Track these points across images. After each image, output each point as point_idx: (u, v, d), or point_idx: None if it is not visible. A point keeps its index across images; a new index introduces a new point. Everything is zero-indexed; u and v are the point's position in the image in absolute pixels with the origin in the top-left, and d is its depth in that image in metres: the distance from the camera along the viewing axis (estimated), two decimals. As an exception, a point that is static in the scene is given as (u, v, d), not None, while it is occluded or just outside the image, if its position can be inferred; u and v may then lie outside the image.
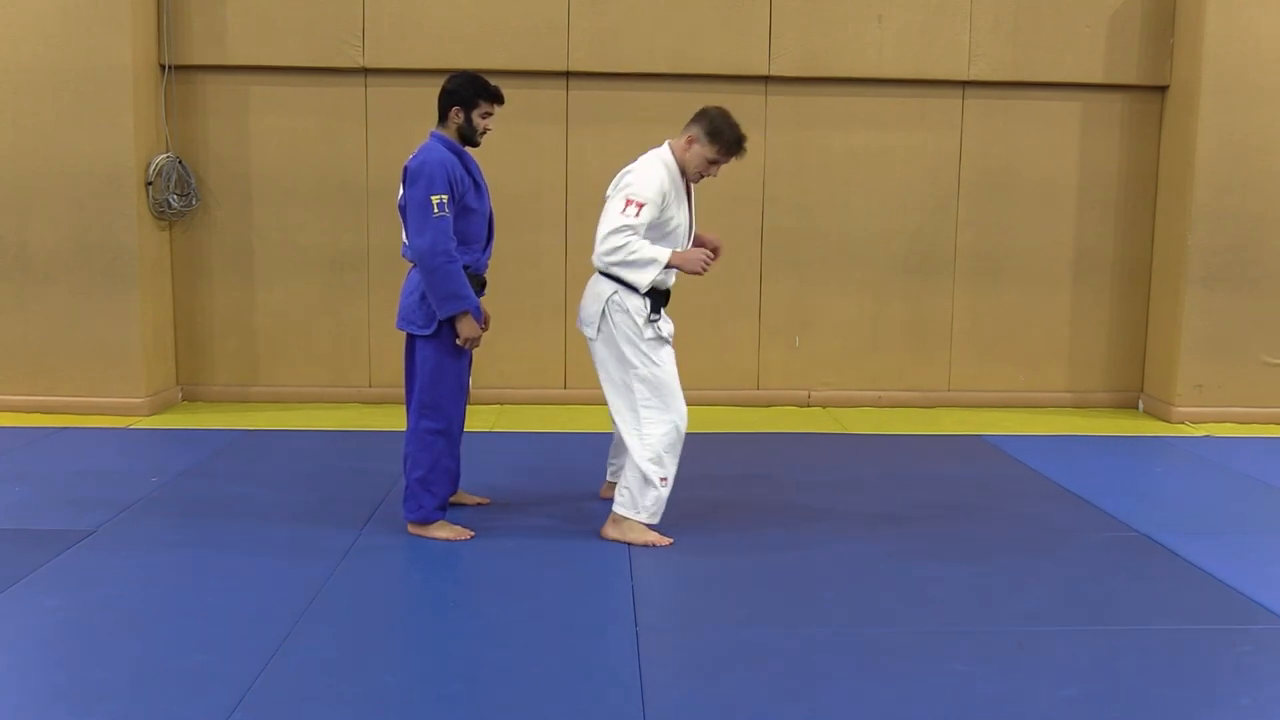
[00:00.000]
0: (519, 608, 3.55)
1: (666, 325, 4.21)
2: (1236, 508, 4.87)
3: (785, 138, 6.89)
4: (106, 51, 6.20)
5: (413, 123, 5.85)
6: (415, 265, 4.11)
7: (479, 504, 4.64)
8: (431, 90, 4.21)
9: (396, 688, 2.98)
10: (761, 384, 7.11)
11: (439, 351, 4.12)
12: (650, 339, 4.12)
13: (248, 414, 6.53)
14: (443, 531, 4.21)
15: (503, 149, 6.24)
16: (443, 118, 4.16)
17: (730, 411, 6.79)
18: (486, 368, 6.86)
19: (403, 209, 4.09)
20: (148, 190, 6.44)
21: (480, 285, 4.24)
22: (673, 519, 4.36)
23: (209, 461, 5.37)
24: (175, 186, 6.58)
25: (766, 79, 6.83)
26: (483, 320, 4.24)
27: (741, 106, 6.85)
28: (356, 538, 4.20)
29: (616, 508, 4.21)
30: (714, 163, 4.10)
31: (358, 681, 3.00)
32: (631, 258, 4.01)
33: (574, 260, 6.78)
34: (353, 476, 5.08)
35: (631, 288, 4.10)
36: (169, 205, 6.54)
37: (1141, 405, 7.15)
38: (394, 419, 5.74)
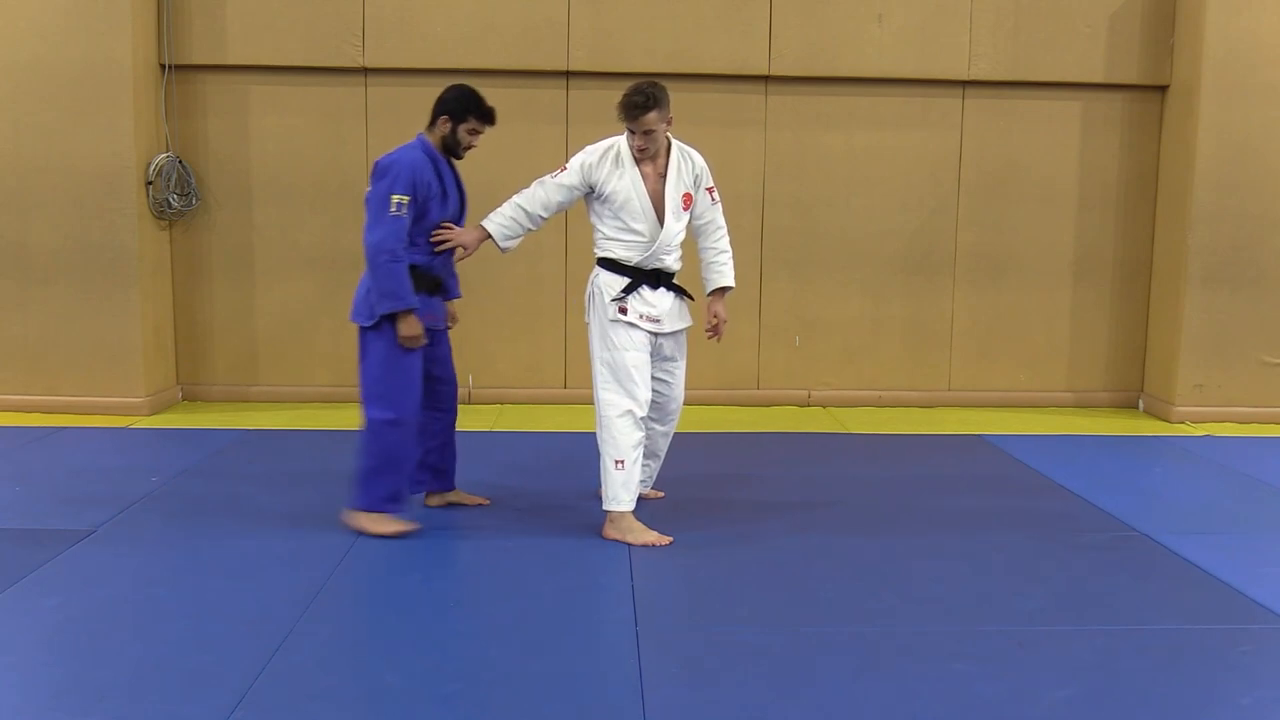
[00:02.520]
0: (519, 608, 3.55)
1: (647, 307, 4.20)
2: (1236, 508, 4.87)
3: (785, 138, 6.89)
4: (106, 51, 6.20)
5: (413, 123, 5.80)
6: None
7: (479, 504, 4.64)
8: (431, 90, 4.22)
9: (397, 687, 2.98)
10: (761, 384, 7.10)
11: (387, 343, 4.16)
12: (612, 320, 4.15)
13: (248, 414, 6.53)
14: (386, 525, 4.20)
15: (502, 149, 6.23)
16: (432, 122, 4.20)
17: (730, 411, 6.78)
18: (486, 368, 6.86)
19: (368, 202, 4.13)
20: (148, 190, 6.44)
21: (435, 285, 4.28)
22: (673, 519, 4.36)
23: (209, 461, 5.37)
24: (175, 186, 6.58)
25: (766, 79, 6.83)
26: (445, 318, 4.35)
27: (741, 106, 6.94)
28: (357, 538, 4.20)
29: (603, 506, 4.22)
30: (631, 132, 4.21)
31: (358, 681, 3.00)
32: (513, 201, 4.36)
33: (574, 260, 6.78)
34: (352, 476, 5.07)
35: (608, 267, 4.20)
36: (169, 205, 6.54)
37: (1142, 405, 7.15)
38: (394, 419, 5.73)
